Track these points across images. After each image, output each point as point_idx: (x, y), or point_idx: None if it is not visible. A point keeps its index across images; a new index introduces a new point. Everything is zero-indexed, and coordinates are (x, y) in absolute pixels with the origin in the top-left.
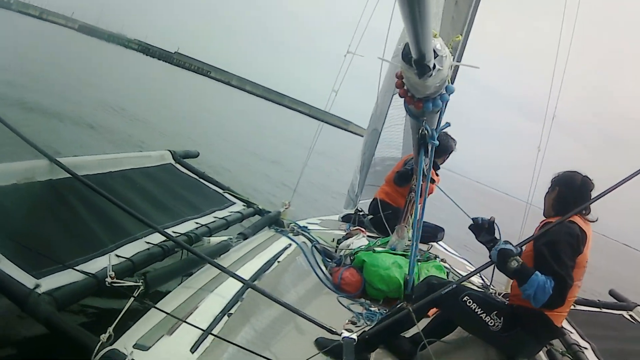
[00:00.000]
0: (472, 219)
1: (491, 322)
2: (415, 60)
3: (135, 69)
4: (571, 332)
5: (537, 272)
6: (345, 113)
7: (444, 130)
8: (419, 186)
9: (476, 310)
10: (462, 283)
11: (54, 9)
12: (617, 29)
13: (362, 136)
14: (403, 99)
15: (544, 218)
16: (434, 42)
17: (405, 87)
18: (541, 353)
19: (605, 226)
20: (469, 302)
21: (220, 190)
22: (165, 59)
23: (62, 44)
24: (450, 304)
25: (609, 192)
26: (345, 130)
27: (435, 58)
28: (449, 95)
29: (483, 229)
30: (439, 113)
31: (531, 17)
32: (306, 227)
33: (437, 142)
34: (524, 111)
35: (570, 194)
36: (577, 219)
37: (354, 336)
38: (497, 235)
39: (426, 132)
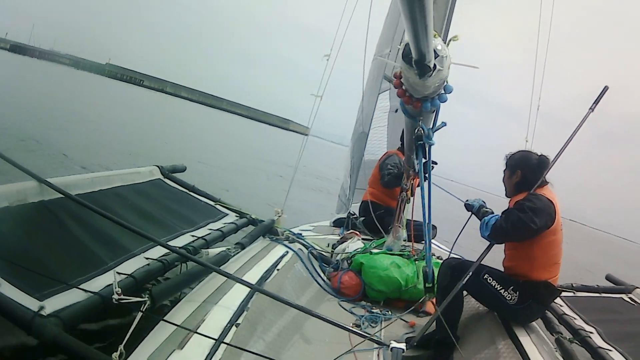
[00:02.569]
0: (465, 202)
1: (508, 297)
2: (415, 61)
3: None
4: (575, 318)
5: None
6: (285, 112)
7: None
8: (409, 183)
9: (496, 287)
10: (480, 263)
11: None
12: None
13: (305, 135)
14: (401, 99)
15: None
16: (435, 42)
17: (403, 87)
18: (550, 343)
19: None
20: (490, 280)
21: (212, 202)
22: (96, 71)
23: None
24: (472, 282)
25: (555, 160)
26: (286, 129)
27: (435, 58)
28: (447, 94)
29: (473, 208)
30: (434, 113)
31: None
32: (300, 234)
33: (434, 142)
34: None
35: (532, 174)
36: (542, 191)
37: (402, 345)
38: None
39: (422, 131)
